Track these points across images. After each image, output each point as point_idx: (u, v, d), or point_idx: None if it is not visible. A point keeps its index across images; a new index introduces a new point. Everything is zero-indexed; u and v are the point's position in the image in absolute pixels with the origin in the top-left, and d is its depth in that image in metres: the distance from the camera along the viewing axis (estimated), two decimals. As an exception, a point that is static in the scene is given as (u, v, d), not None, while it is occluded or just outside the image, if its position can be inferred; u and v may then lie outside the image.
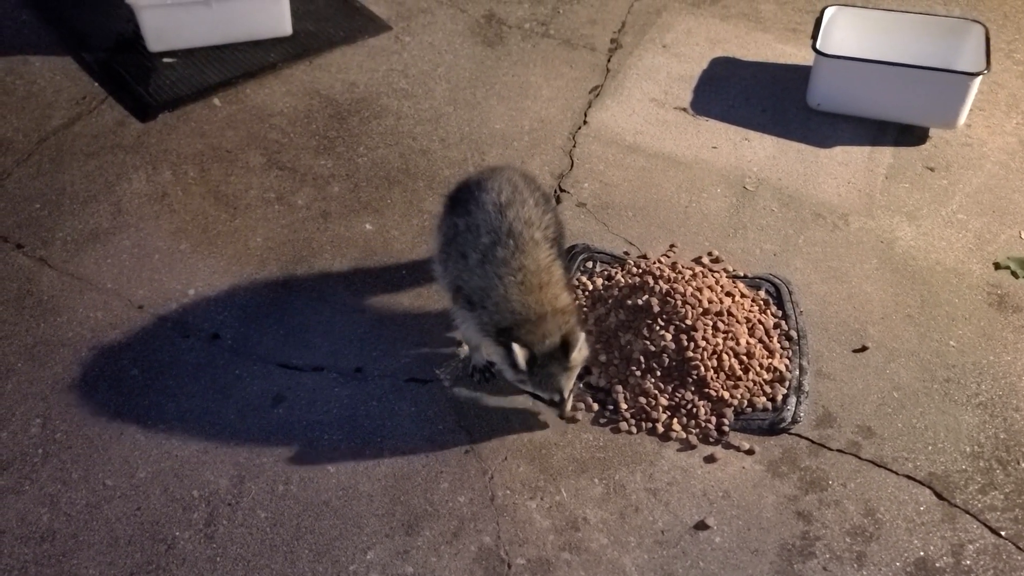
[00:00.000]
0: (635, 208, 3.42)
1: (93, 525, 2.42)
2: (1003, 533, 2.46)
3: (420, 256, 3.20)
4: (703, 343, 2.74)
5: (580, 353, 2.48)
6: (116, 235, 3.23)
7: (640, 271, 3.02)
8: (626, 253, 3.22)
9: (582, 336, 2.47)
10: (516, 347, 2.39)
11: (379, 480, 2.55)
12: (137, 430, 2.64)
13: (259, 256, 3.18)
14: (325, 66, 4.07)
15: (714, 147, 3.71)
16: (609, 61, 4.16)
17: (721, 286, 2.94)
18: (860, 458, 2.63)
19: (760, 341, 2.84)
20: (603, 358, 2.80)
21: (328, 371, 2.83)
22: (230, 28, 4.08)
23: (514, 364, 2.42)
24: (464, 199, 2.64)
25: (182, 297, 3.03)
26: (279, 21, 4.15)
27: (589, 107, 3.90)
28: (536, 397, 2.58)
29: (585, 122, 3.82)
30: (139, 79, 3.94)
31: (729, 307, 2.85)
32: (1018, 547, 2.43)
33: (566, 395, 2.52)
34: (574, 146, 3.69)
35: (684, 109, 3.91)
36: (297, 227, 3.31)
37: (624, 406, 2.71)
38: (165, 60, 4.03)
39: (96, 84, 3.89)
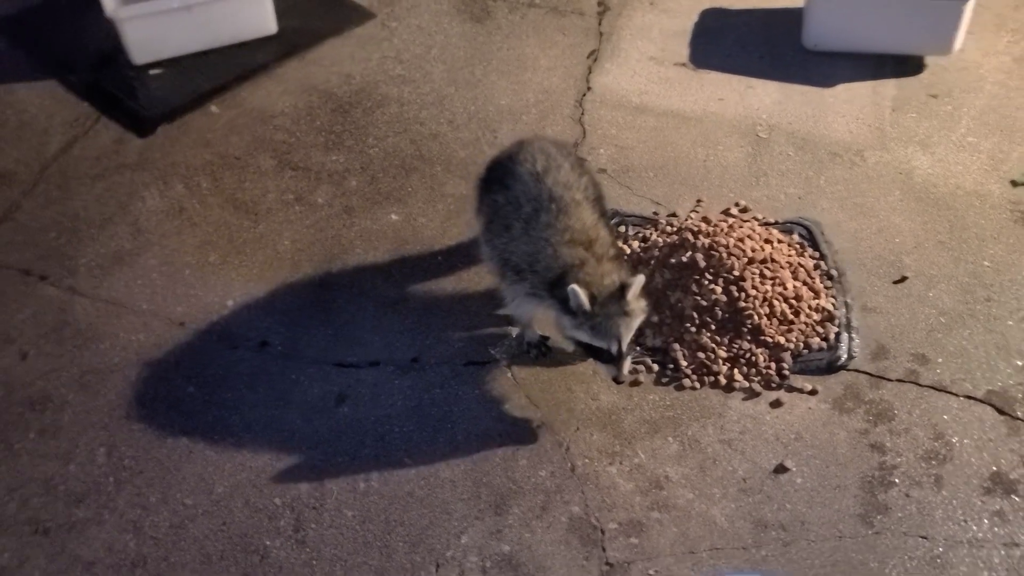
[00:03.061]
0: (655, 168, 3.44)
1: (182, 545, 2.41)
2: (1067, 439, 2.54)
3: (452, 240, 3.20)
4: (753, 292, 2.78)
5: (638, 301, 2.43)
6: (141, 255, 3.18)
7: (676, 229, 3.05)
8: (655, 213, 3.24)
9: (640, 278, 2.41)
10: (576, 287, 2.33)
11: (458, 465, 2.56)
12: (206, 446, 2.62)
13: (291, 259, 3.15)
14: (317, 61, 4.01)
15: (720, 99, 3.73)
16: (600, 24, 4.15)
17: (759, 234, 2.97)
18: (920, 385, 2.70)
19: (804, 283, 2.89)
20: (655, 318, 2.83)
21: (385, 365, 2.82)
22: (214, 32, 4.00)
23: (574, 308, 2.35)
24: (499, 176, 2.64)
25: (222, 309, 2.99)
26: (263, 20, 4.06)
27: (590, 72, 3.89)
28: (592, 353, 2.49)
29: (589, 88, 3.81)
30: (129, 94, 3.85)
31: (771, 253, 2.89)
32: (1084, 450, 2.52)
33: (624, 346, 2.43)
34: (583, 113, 3.69)
35: (683, 64, 3.92)
36: (323, 225, 3.28)
37: (684, 363, 2.74)
38: (152, 72, 3.94)
39: (86, 104, 3.79)
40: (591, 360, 2.62)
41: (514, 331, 2.87)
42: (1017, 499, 2.42)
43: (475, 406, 2.70)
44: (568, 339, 2.52)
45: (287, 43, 4.09)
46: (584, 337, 2.43)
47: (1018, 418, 2.60)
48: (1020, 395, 2.65)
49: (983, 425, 2.59)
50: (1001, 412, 2.62)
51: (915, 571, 2.29)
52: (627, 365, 2.51)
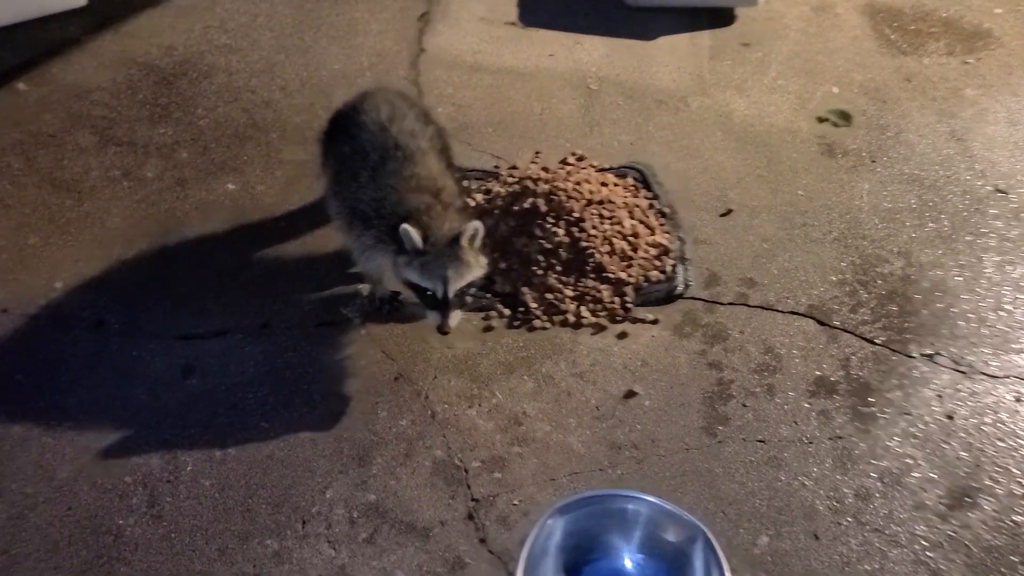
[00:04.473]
0: (493, 124, 3.50)
1: (23, 536, 2.27)
2: (877, 341, 2.80)
3: (294, 205, 3.14)
4: (593, 231, 2.89)
5: (474, 251, 2.40)
6: (-50, 243, 2.94)
7: (517, 179, 3.12)
8: (496, 167, 3.30)
9: (476, 223, 2.38)
10: (407, 225, 2.30)
11: (317, 424, 2.53)
12: (42, 433, 2.47)
13: (122, 235, 3.00)
14: (134, 33, 3.82)
15: (551, 55, 3.84)
16: (429, -12, 4.16)
17: (596, 178, 3.09)
18: (749, 306, 2.90)
19: (640, 222, 3.03)
20: (503, 265, 2.89)
21: (233, 333, 2.74)
22: (16, 5, 3.74)
23: (407, 247, 2.33)
24: (344, 126, 2.62)
25: (49, 292, 2.82)
26: (70, -9, 3.83)
27: (422, 35, 3.90)
28: (422, 299, 2.44)
29: (423, 50, 3.82)
30: (-78, 76, 3.53)
31: (608, 195, 3.01)
32: (892, 350, 2.78)
33: (450, 292, 2.38)
34: (418, 75, 3.70)
35: (513, 23, 4.00)
36: (154, 199, 3.14)
37: (533, 305, 2.82)
38: (-52, 51, 3.63)
39: None
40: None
41: (365, 289, 2.86)
42: (838, 398, 2.65)
43: (331, 366, 2.67)
44: (402, 282, 2.50)
45: (99, 15, 3.88)
46: (413, 277, 2.40)
47: (835, 327, 2.84)
48: (836, 307, 2.90)
49: (806, 336, 2.81)
50: (821, 323, 2.85)
51: (755, 471, 2.47)
52: (455, 317, 2.43)
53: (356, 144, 2.55)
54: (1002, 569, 2.27)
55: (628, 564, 2.11)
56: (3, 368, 2.62)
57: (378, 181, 2.48)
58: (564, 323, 2.81)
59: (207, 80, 3.61)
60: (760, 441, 2.54)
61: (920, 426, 2.59)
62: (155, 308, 2.79)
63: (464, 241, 2.38)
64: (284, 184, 3.22)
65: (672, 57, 3.85)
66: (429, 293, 2.41)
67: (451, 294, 2.40)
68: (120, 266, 2.91)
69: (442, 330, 2.44)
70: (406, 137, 2.52)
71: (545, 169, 3.17)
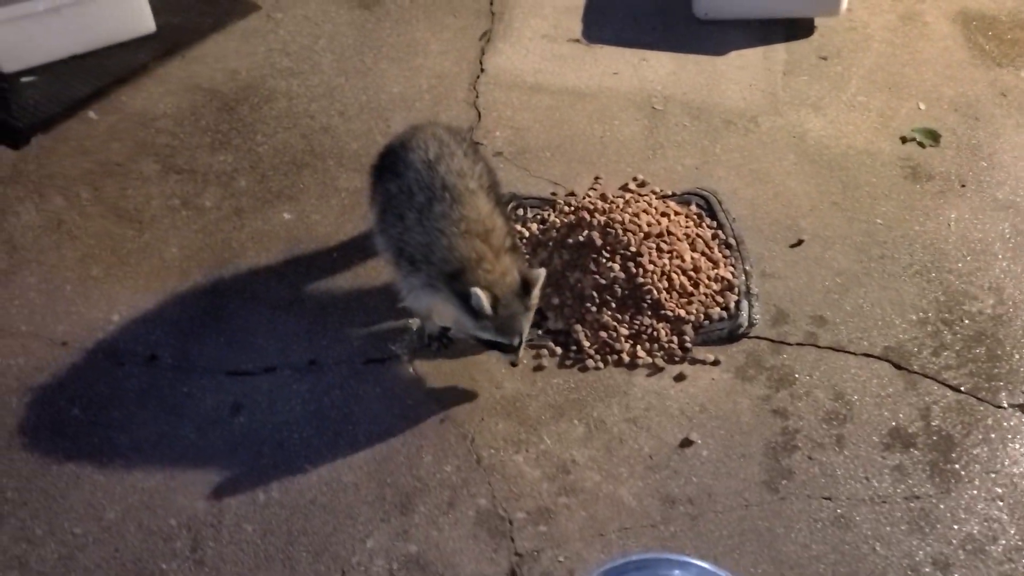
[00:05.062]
0: (552, 148, 3.39)
1: (71, 578, 2.29)
2: (962, 388, 2.58)
3: (347, 236, 3.11)
4: (651, 266, 2.76)
5: (538, 292, 2.44)
6: (17, 274, 3.01)
7: (573, 208, 3.00)
8: (553, 194, 3.19)
9: (542, 272, 2.42)
10: (478, 290, 2.31)
11: (361, 467, 2.48)
12: (94, 470, 2.49)
13: (179, 267, 3.02)
14: (200, 58, 3.85)
15: (615, 73, 3.70)
16: (492, 4, 4.07)
17: (655, 208, 2.95)
18: (819, 347, 2.71)
19: (703, 254, 2.88)
20: (556, 300, 2.79)
21: (281, 370, 2.72)
22: (88, 34, 3.80)
23: (475, 310, 2.34)
24: (391, 163, 2.56)
25: (107, 324, 2.85)
26: (139, 18, 3.88)
27: (483, 54, 3.82)
28: (491, 345, 2.48)
29: (483, 70, 3.74)
30: None
31: (668, 226, 2.87)
32: (978, 399, 2.56)
33: (524, 337, 2.48)
34: (477, 96, 3.62)
35: (577, 40, 3.88)
36: (211, 230, 3.15)
37: (586, 343, 2.71)
38: (24, 80, 3.73)
39: (-47, 120, 3.58)
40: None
41: (414, 324, 2.80)
42: (916, 452, 2.45)
43: (376, 405, 2.62)
44: (467, 335, 2.50)
45: (167, 41, 3.91)
46: (485, 335, 2.42)
47: (915, 372, 2.63)
48: (915, 349, 2.69)
49: (881, 381, 2.62)
50: (898, 367, 2.65)
51: (820, 533, 2.30)
52: (523, 348, 2.51)
53: (403, 183, 2.49)
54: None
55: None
56: (63, 403, 2.66)
57: (425, 224, 2.41)
58: (618, 363, 2.69)
59: (268, 105, 3.61)
60: (827, 499, 2.37)
61: (1008, 487, 2.36)
62: (207, 342, 2.80)
63: (534, 294, 2.38)
64: (338, 213, 3.18)
65: (743, 73, 3.67)
66: (505, 344, 2.44)
67: (524, 342, 2.45)
68: (175, 299, 2.92)
69: (514, 364, 2.56)
70: (454, 177, 2.44)
71: (603, 198, 3.04)
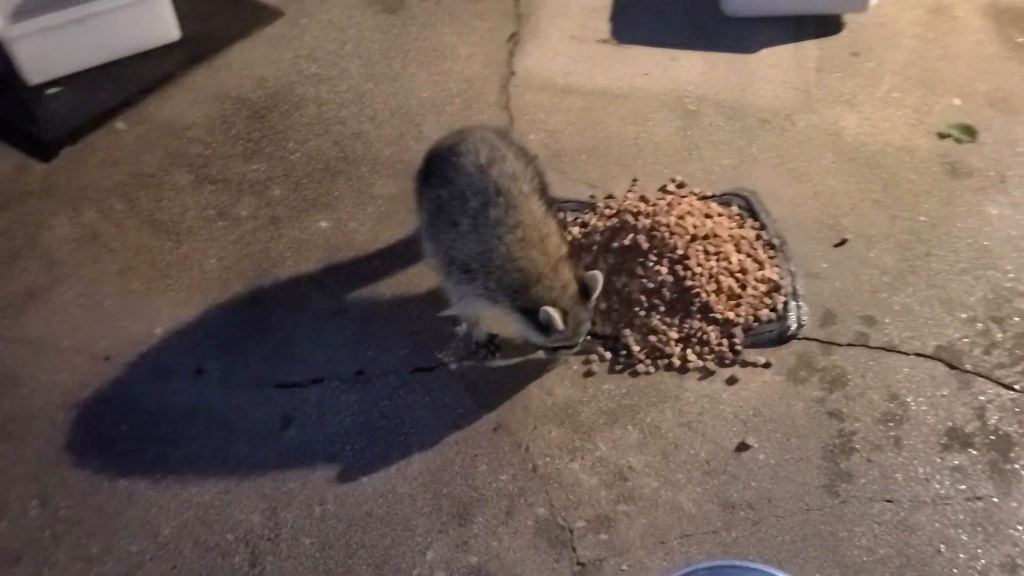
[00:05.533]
0: (587, 150, 3.37)
1: (131, 597, 2.27)
2: (1017, 387, 2.57)
3: (386, 243, 3.09)
4: (699, 269, 2.74)
5: (597, 295, 2.48)
6: (55, 289, 2.99)
7: (615, 211, 2.99)
8: (592, 197, 3.17)
9: (599, 277, 2.44)
10: (550, 310, 2.33)
11: (415, 478, 2.47)
12: (147, 487, 2.48)
13: (219, 278, 3.00)
14: (226, 66, 3.83)
15: (646, 73, 3.68)
16: (518, 5, 4.05)
17: (699, 210, 2.93)
18: (870, 347, 2.70)
19: (748, 255, 2.86)
20: (603, 305, 2.77)
21: (329, 381, 2.70)
22: (112, 43, 3.78)
23: (546, 327, 2.37)
24: (440, 168, 2.54)
25: (150, 338, 2.83)
26: (164, 26, 3.85)
27: (512, 56, 3.80)
28: (554, 350, 2.54)
29: (512, 73, 3.72)
30: (25, 118, 3.61)
31: (713, 228, 2.85)
32: (1033, 397, 2.55)
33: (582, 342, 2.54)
34: (508, 99, 3.60)
35: (605, 40, 3.86)
36: (249, 239, 3.13)
37: (636, 348, 2.69)
38: (49, 91, 3.71)
39: (-19, 133, 3.56)
40: (541, 353, 2.61)
41: (461, 331, 2.78)
42: (974, 452, 2.44)
43: (427, 415, 2.61)
44: (535, 346, 2.54)
45: (192, 49, 3.89)
46: (551, 344, 2.46)
47: (967, 371, 2.62)
48: (967, 348, 2.68)
49: (935, 381, 2.60)
50: (951, 367, 2.63)
51: (884, 536, 2.29)
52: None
53: (454, 188, 2.46)
54: None
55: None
56: (110, 418, 2.64)
57: (480, 231, 2.40)
58: (669, 367, 2.68)
59: (298, 112, 3.59)
60: (888, 501, 2.35)
61: (1069, 486, 2.35)
62: (252, 355, 2.78)
63: (594, 299, 2.41)
64: (376, 220, 3.16)
65: (775, 71, 3.65)
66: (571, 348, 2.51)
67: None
68: (217, 310, 2.91)
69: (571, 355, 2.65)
70: (507, 181, 2.43)
71: (644, 199, 3.03)
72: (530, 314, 2.37)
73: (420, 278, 2.93)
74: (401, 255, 3.02)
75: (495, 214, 2.39)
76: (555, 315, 2.33)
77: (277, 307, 2.90)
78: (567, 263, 2.43)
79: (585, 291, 2.41)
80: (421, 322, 2.83)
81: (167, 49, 3.88)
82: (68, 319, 2.89)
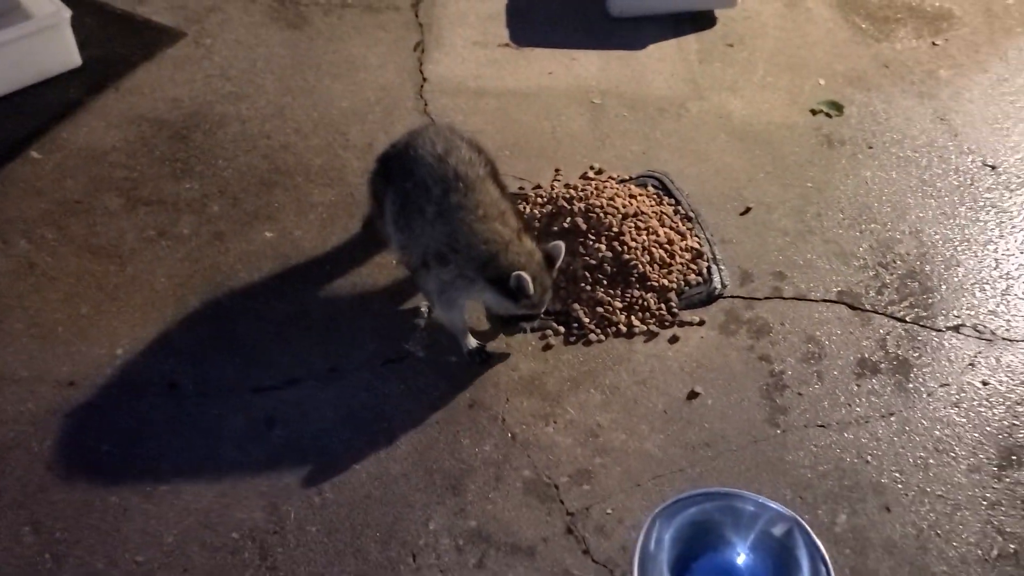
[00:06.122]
0: (509, 146, 3.62)
1: (148, 605, 2.33)
2: (907, 319, 3.02)
3: (333, 246, 3.22)
4: (633, 244, 3.05)
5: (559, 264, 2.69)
6: (3, 322, 2.95)
7: (548, 199, 3.25)
8: (521, 188, 3.42)
9: (562, 245, 2.65)
10: (523, 275, 2.48)
11: (405, 458, 2.64)
12: (141, 500, 2.53)
13: (173, 295, 3.05)
14: (135, 89, 3.83)
15: (550, 73, 3.97)
16: (417, 16, 4.25)
17: (624, 191, 3.24)
18: (784, 298, 3.09)
19: (671, 228, 3.19)
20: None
21: (304, 381, 2.82)
22: (14, 73, 3.71)
23: (516, 292, 2.51)
24: (400, 164, 2.72)
25: (113, 359, 2.86)
26: (64, 52, 3.81)
27: (421, 64, 3.99)
28: (519, 318, 2.71)
29: (425, 79, 3.92)
30: (-71, 154, 3.50)
31: (639, 206, 3.16)
32: (920, 326, 3.00)
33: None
34: (426, 104, 3.80)
35: (507, 44, 4.12)
36: (196, 256, 3.18)
37: (586, 320, 2.97)
38: (-49, 125, 3.60)
39: None
40: (501, 336, 2.86)
41: (422, 321, 2.96)
42: (883, 376, 2.86)
43: (405, 401, 2.78)
44: (501, 315, 2.69)
45: (96, 74, 3.86)
46: (523, 312, 2.63)
47: (867, 310, 3.05)
48: (863, 290, 3.11)
49: (842, 322, 3.02)
50: (852, 308, 3.06)
51: (821, 455, 2.66)
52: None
53: (417, 179, 2.65)
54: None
55: (741, 559, 2.27)
56: (89, 441, 2.66)
57: (444, 216, 2.59)
58: (617, 334, 2.96)
59: (221, 130, 3.65)
60: (820, 426, 2.73)
61: (960, 395, 2.81)
62: (223, 364, 2.86)
63: (557, 266, 2.63)
64: (319, 226, 3.29)
65: (664, 64, 4.02)
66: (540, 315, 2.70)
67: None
68: (178, 326, 2.96)
69: (534, 330, 2.89)
70: (464, 167, 2.64)
71: (569, 186, 3.30)
72: (501, 283, 2.54)
73: (375, 276, 3.09)
74: (351, 257, 3.17)
75: (455, 198, 2.60)
76: (526, 277, 2.50)
77: (239, 317, 2.99)
78: (527, 235, 2.66)
79: (549, 260, 2.63)
80: (383, 317, 3.00)
81: (70, 75, 3.84)
82: (22, 350, 2.87)
